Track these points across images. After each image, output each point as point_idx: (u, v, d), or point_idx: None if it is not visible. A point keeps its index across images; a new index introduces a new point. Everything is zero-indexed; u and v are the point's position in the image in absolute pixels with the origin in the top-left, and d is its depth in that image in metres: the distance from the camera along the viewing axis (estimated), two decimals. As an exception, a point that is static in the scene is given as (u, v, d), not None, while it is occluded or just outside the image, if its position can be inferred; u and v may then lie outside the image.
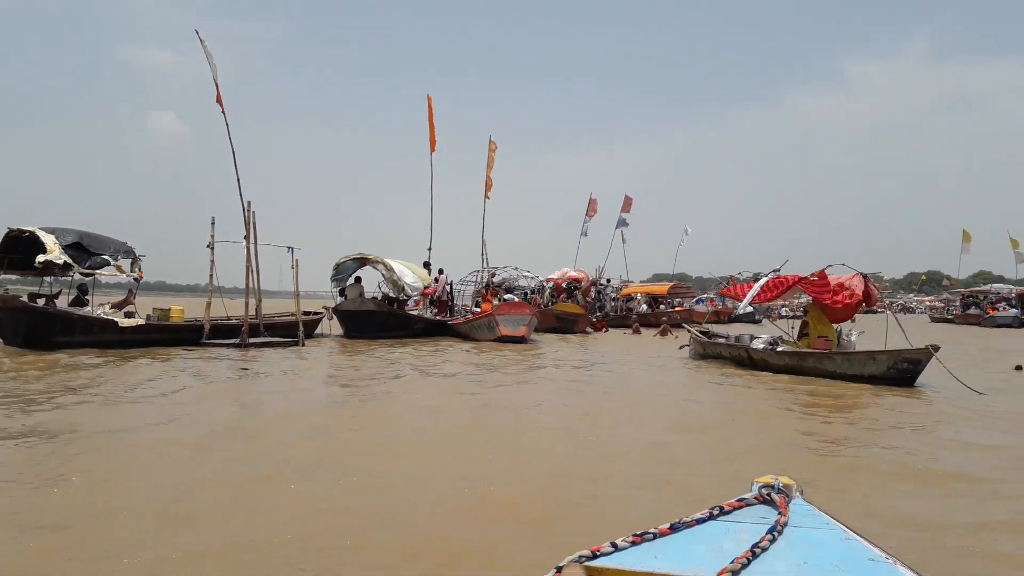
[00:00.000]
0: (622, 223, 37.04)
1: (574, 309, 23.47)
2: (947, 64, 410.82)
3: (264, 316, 15.84)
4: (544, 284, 26.87)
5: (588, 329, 24.00)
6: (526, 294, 24.84)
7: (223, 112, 15.06)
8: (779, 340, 11.93)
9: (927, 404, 8.33)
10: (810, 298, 11.34)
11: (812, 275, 11.21)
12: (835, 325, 11.36)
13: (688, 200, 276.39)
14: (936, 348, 9.52)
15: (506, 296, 20.67)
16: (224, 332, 14.59)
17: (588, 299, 28.93)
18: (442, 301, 20.27)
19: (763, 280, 11.86)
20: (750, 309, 40.02)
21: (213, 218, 14.39)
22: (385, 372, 10.56)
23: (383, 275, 18.27)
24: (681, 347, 14.95)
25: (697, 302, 37.84)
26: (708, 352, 13.43)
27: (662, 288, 32.89)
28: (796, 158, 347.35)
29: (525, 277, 26.26)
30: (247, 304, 14.51)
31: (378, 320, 17.48)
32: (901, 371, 9.74)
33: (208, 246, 14.38)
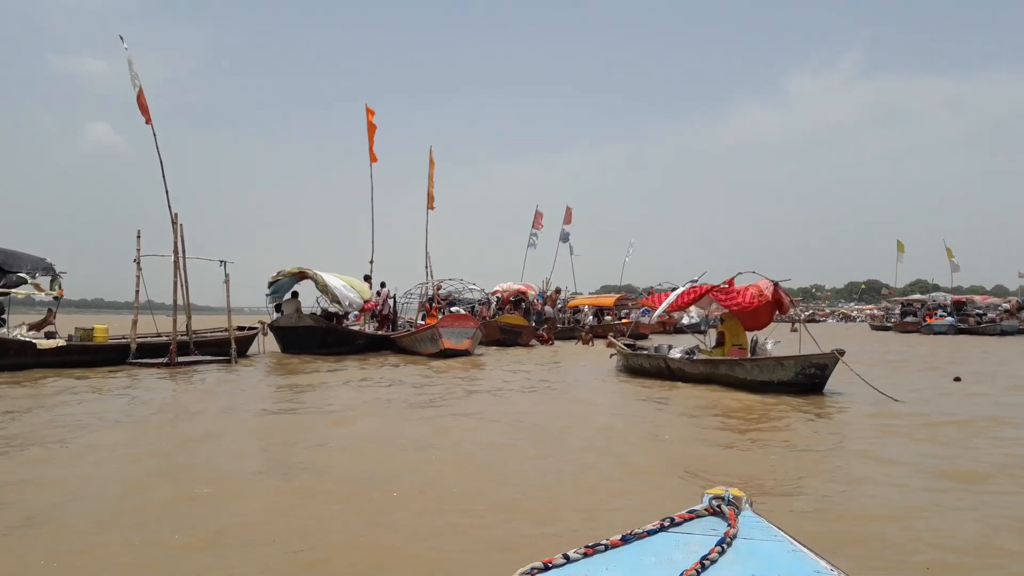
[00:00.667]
0: (564, 236, 37.19)
1: (518, 321, 23.34)
2: (878, 79, 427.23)
3: (195, 333, 15.27)
4: (490, 297, 26.70)
5: (533, 342, 23.89)
6: (472, 307, 24.61)
7: (148, 122, 14.49)
8: (696, 349, 11.92)
9: (831, 413, 8.34)
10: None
11: (723, 283, 11.39)
12: (751, 334, 11.48)
13: (633, 211, 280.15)
14: (841, 352, 9.55)
15: (452, 309, 20.44)
16: (152, 350, 14.00)
17: (554, 308, 28.93)
18: (384, 315, 19.89)
19: (679, 290, 11.97)
20: (692, 319, 40.94)
21: (139, 231, 13.83)
22: (315, 398, 10.20)
23: (320, 290, 17.83)
24: (612, 355, 14.88)
25: (643, 313, 38.25)
26: (631, 364, 13.36)
27: (609, 300, 33.08)
28: (738, 171, 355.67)
29: (471, 290, 26.05)
30: (175, 321, 13.93)
31: (316, 336, 17.03)
32: (809, 376, 9.73)
33: (135, 261, 13.80)
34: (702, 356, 11.42)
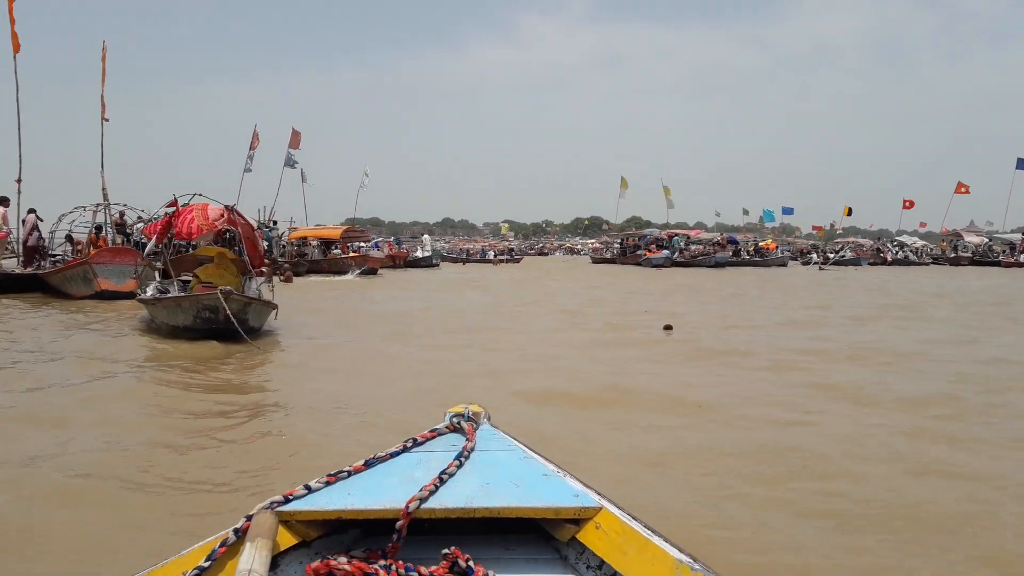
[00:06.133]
0: (290, 161, 34.00)
1: (216, 252, 20.29)
2: (603, 24, 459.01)
3: None
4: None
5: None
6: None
7: None
8: (172, 285, 10.06)
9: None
10: None
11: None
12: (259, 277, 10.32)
13: (371, 143, 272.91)
14: (228, 293, 8.16)
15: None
16: None
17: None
18: (30, 247, 15.86)
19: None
20: (426, 251, 40.37)
21: None
22: None
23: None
24: None
25: (373, 246, 36.65)
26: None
27: (335, 232, 30.74)
28: (473, 106, 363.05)
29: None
30: None
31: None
32: (206, 320, 8.38)
33: None
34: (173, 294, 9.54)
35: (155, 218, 11.39)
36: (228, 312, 7.99)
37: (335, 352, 8.41)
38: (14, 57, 17.60)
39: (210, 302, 8.16)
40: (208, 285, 8.88)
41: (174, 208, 9.81)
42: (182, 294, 9.08)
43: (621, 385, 6.27)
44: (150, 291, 9.88)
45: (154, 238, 9.44)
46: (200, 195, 10.22)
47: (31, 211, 16.58)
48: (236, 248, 10.56)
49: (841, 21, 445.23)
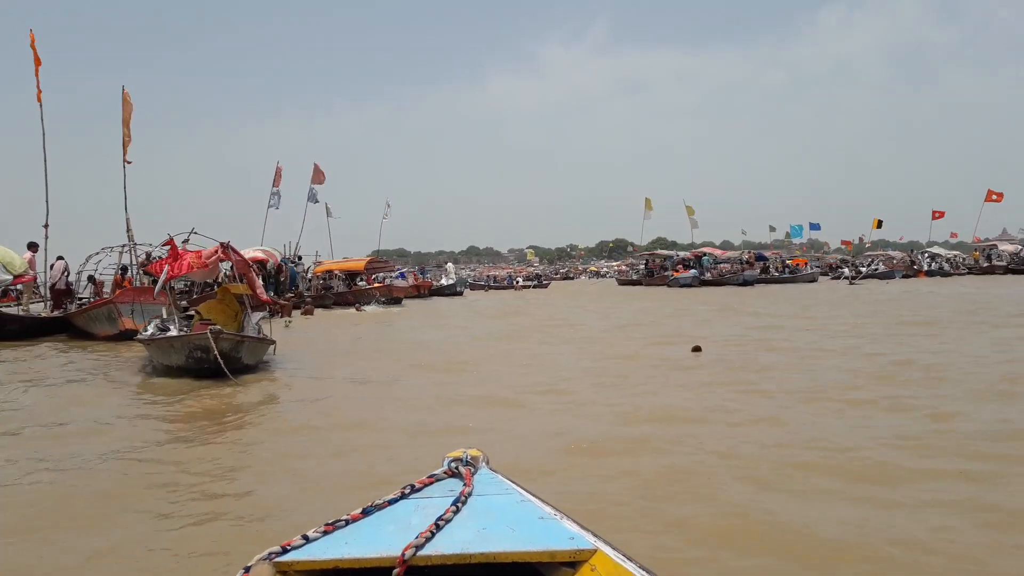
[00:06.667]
0: (313, 196, 34.25)
1: (243, 291, 20.32)
2: (622, 50, 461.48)
3: None
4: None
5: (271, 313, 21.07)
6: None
7: None
8: (173, 323, 9.83)
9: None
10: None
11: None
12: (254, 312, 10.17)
13: (395, 176, 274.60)
14: (217, 332, 8.05)
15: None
16: None
17: (283, 280, 26.05)
18: (58, 290, 15.97)
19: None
20: (451, 279, 40.29)
21: None
22: None
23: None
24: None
25: (398, 276, 36.68)
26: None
27: (359, 264, 30.79)
28: (497, 137, 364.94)
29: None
30: None
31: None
32: (198, 360, 8.21)
33: None
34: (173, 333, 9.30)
35: (158, 257, 11.44)
36: (216, 352, 7.91)
37: (322, 389, 8.06)
38: (39, 104, 17.96)
39: (201, 342, 8.09)
40: (206, 322, 8.81)
41: (170, 247, 9.75)
42: (175, 334, 8.94)
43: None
44: (151, 329, 9.75)
45: (163, 275, 9.39)
46: (195, 232, 10.15)
47: (60, 258, 16.74)
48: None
49: (862, 38, 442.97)
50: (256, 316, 9.83)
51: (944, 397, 6.35)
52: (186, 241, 10.22)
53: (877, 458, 4.44)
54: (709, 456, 4.66)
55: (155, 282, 10.50)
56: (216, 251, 9.51)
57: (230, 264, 10.43)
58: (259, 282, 9.66)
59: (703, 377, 7.90)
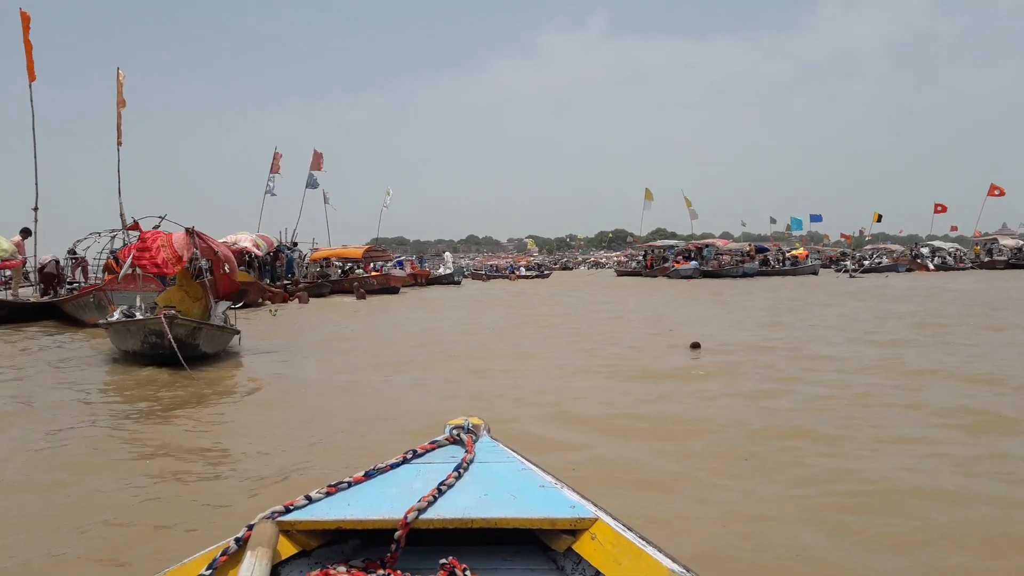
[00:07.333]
0: (312, 182, 33.89)
1: (242, 277, 20.04)
2: (623, 39, 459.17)
3: None
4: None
5: (262, 300, 20.78)
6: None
7: None
8: (140, 310, 9.30)
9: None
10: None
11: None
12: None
13: (397, 164, 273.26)
14: (172, 318, 7.89)
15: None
16: None
17: (279, 266, 25.82)
18: (48, 275, 15.69)
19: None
20: (448, 268, 39.94)
21: None
22: None
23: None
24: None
25: (396, 265, 36.34)
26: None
27: (356, 252, 30.50)
28: (498, 125, 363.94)
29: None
30: None
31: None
32: (153, 346, 8.07)
33: None
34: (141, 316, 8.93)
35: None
36: (171, 337, 7.71)
37: (280, 385, 7.75)
38: (30, 86, 17.60)
39: (155, 327, 7.90)
40: (166, 309, 8.47)
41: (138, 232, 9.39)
42: (130, 319, 8.66)
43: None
44: (117, 315, 9.38)
45: (127, 261, 9.09)
46: (165, 218, 9.74)
47: (55, 259, 16.47)
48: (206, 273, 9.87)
49: (864, 29, 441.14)
50: (222, 305, 9.44)
51: None
52: (157, 226, 9.78)
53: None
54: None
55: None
56: (186, 240, 9.03)
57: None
58: (227, 267, 9.19)
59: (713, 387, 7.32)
